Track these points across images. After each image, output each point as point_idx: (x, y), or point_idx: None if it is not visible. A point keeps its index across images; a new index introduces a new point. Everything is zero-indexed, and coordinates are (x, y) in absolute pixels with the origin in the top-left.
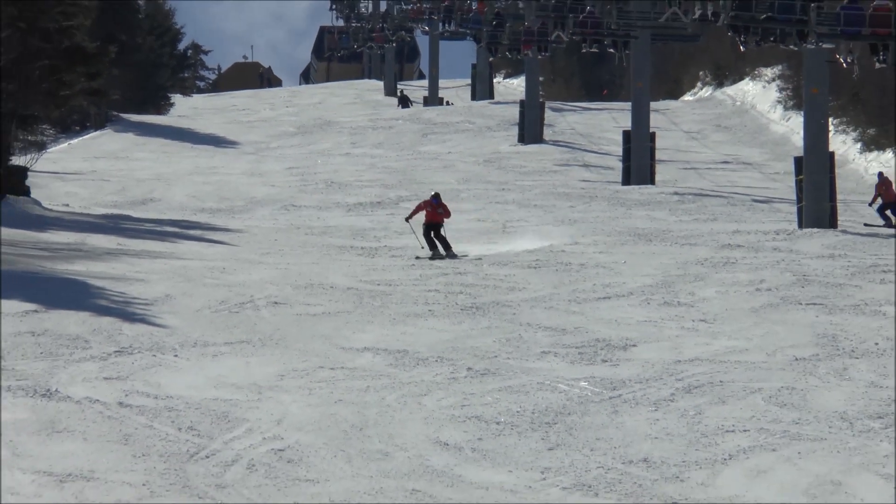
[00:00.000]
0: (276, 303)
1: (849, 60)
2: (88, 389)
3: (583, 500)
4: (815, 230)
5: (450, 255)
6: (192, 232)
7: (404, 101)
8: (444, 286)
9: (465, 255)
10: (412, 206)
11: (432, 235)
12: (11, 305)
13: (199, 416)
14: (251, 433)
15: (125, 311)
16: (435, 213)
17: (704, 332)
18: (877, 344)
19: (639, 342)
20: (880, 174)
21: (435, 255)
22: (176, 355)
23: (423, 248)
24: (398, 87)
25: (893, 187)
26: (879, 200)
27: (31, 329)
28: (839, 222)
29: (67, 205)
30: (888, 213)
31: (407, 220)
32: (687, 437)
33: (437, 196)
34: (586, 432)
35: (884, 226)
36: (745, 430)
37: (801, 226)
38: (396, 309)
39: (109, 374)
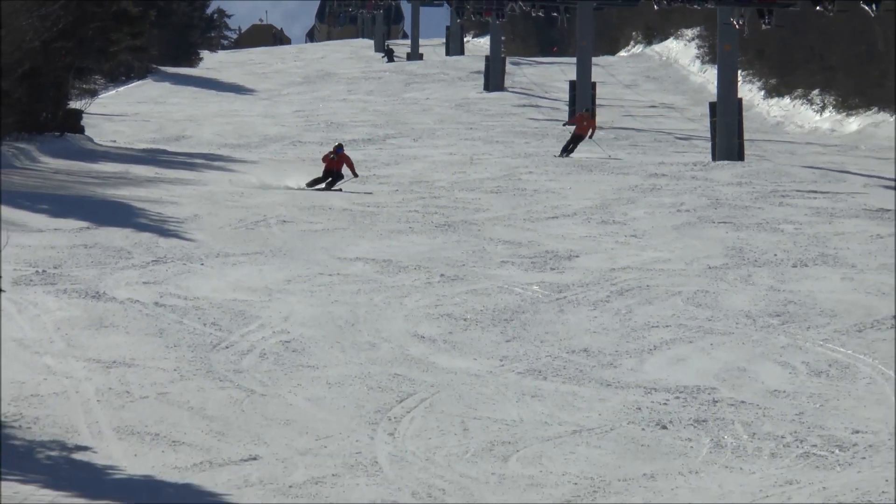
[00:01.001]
0: (284, 221)
1: (740, 23)
2: (130, 292)
3: (534, 382)
4: (726, 162)
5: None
6: (216, 163)
7: (389, 55)
8: (423, 207)
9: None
10: (398, 143)
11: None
12: (68, 223)
13: (221, 313)
14: (263, 328)
15: (161, 228)
16: (334, 162)
17: (635, 245)
18: (776, 255)
19: (581, 253)
20: (587, 110)
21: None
22: (202, 264)
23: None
24: (386, 44)
25: None
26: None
27: (83, 242)
28: (745, 156)
29: (115, 141)
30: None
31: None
32: (619, 331)
33: (340, 146)
34: (537, 327)
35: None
36: (667, 326)
37: (714, 159)
38: (383, 226)
39: (148, 279)
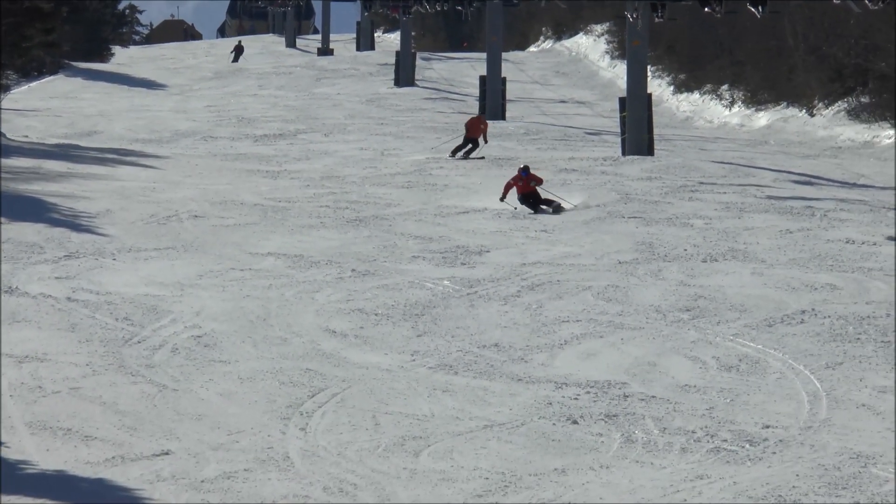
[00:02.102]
0: (196, 216)
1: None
2: (42, 287)
3: (445, 377)
4: (636, 157)
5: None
6: (128, 158)
7: (237, 54)
8: (333, 203)
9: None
10: (309, 138)
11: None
12: None
13: (133, 308)
14: (175, 322)
15: (73, 223)
16: (527, 184)
17: (545, 240)
18: (685, 250)
19: (491, 248)
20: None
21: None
22: (114, 259)
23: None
24: (239, 40)
25: None
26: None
27: None
28: (655, 151)
29: (27, 136)
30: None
31: (501, 199)
32: (530, 325)
33: (525, 168)
34: (448, 322)
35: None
36: (577, 321)
37: (624, 153)
38: (294, 221)
39: (60, 274)
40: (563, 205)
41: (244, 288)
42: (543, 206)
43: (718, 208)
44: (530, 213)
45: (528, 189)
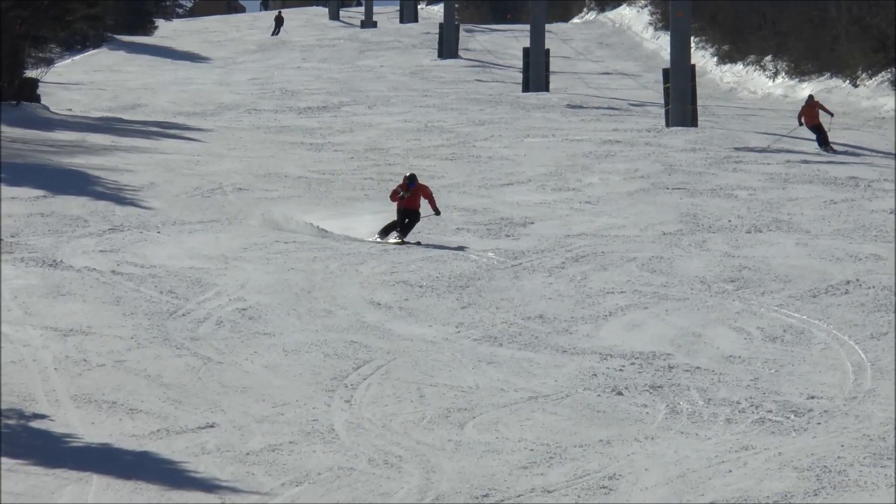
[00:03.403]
0: (240, 189)
1: None
2: (87, 260)
3: (490, 349)
4: (680, 128)
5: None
6: (171, 131)
7: (278, 25)
8: (377, 175)
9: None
10: (352, 110)
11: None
12: (24, 192)
13: (177, 281)
14: (219, 295)
15: (118, 196)
16: (413, 198)
17: (589, 211)
18: (730, 221)
19: (536, 220)
20: (810, 96)
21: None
22: (159, 232)
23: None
24: (279, 11)
25: (818, 111)
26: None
27: (40, 211)
28: (699, 122)
29: (71, 109)
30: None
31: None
32: (575, 297)
33: (412, 178)
34: (492, 294)
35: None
36: (622, 292)
37: (668, 125)
38: (338, 194)
39: (104, 247)
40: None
41: (288, 260)
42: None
43: (762, 179)
44: (381, 240)
45: (408, 204)
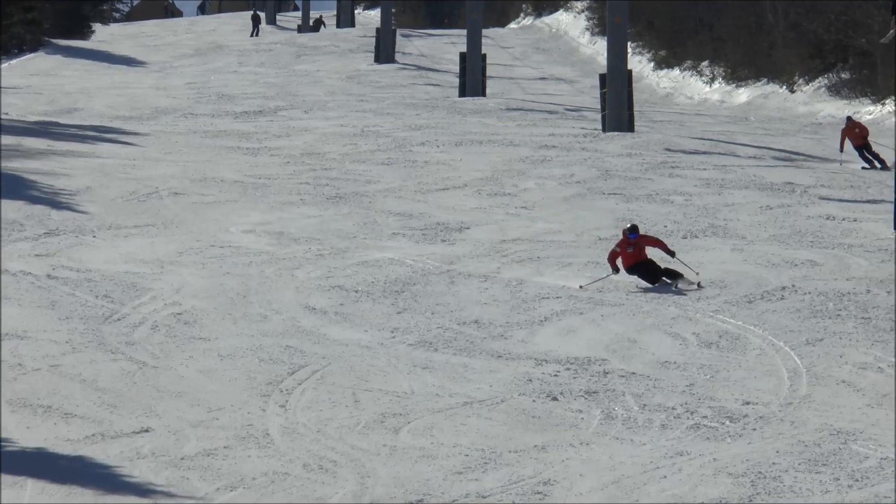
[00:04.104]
0: (176, 193)
1: None
2: (23, 264)
3: (425, 354)
4: (616, 133)
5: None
6: (108, 135)
7: (255, 23)
8: (314, 179)
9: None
10: (289, 114)
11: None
12: None
13: (113, 285)
14: (155, 300)
15: (53, 200)
16: (638, 250)
17: (525, 216)
18: (666, 226)
19: (472, 225)
20: (849, 118)
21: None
22: (94, 236)
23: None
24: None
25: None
26: (848, 143)
27: None
28: (636, 127)
29: (7, 113)
30: (866, 153)
31: (615, 272)
32: (510, 302)
33: (633, 229)
34: (428, 299)
35: (869, 168)
36: (557, 297)
37: (604, 130)
38: (274, 198)
39: (40, 251)
40: (692, 278)
41: (224, 265)
42: (666, 280)
43: (699, 185)
44: (647, 286)
45: (639, 258)
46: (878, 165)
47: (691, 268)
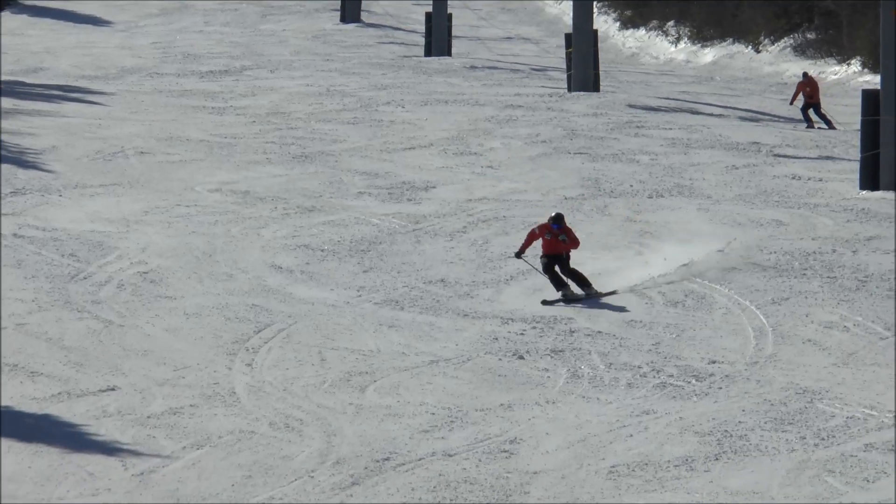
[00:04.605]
0: (142, 152)
1: None
2: None
3: (391, 313)
4: (582, 93)
5: (589, 293)
6: (74, 95)
7: None
8: (279, 139)
9: (613, 293)
10: (255, 74)
11: (556, 270)
12: None
13: (79, 244)
14: (121, 259)
15: (19, 159)
16: (556, 241)
17: (491, 176)
18: (631, 186)
19: (437, 184)
20: (805, 74)
21: (567, 295)
22: (60, 195)
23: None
24: None
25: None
26: (801, 99)
27: None
28: (601, 87)
29: None
30: (811, 112)
31: (518, 255)
32: (476, 261)
33: (558, 219)
34: (394, 258)
35: (808, 127)
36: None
37: (570, 90)
38: (240, 157)
39: (6, 210)
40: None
41: (190, 224)
42: (572, 284)
43: (664, 144)
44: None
45: (556, 248)
46: (825, 126)
47: (598, 288)
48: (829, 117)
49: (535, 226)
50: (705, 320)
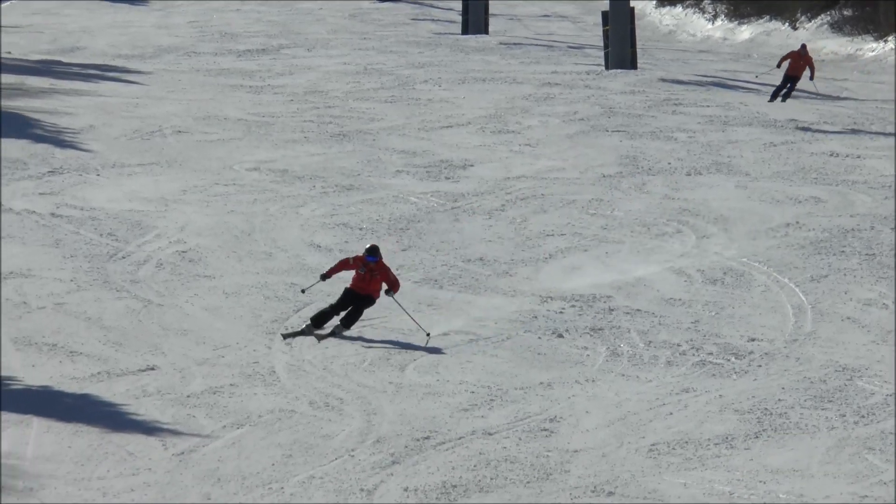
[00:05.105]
0: (179, 131)
1: None
2: (27, 203)
3: (430, 291)
4: (619, 71)
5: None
6: (111, 74)
7: None
8: (317, 117)
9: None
10: (292, 53)
11: (344, 312)
12: None
13: (117, 223)
14: (159, 238)
15: (57, 139)
16: (368, 279)
17: (529, 154)
18: (669, 163)
19: (475, 162)
20: (803, 46)
21: (313, 334)
22: (98, 174)
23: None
24: None
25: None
26: (786, 65)
27: None
28: (638, 64)
29: (10, 52)
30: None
31: (323, 277)
32: (514, 239)
33: (372, 251)
34: (432, 236)
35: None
36: (562, 234)
37: (607, 67)
38: (278, 136)
39: (44, 190)
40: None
41: (228, 203)
42: (336, 329)
43: (702, 122)
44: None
45: (365, 288)
46: (781, 100)
47: (423, 327)
48: (790, 96)
49: (350, 255)
50: (744, 298)
